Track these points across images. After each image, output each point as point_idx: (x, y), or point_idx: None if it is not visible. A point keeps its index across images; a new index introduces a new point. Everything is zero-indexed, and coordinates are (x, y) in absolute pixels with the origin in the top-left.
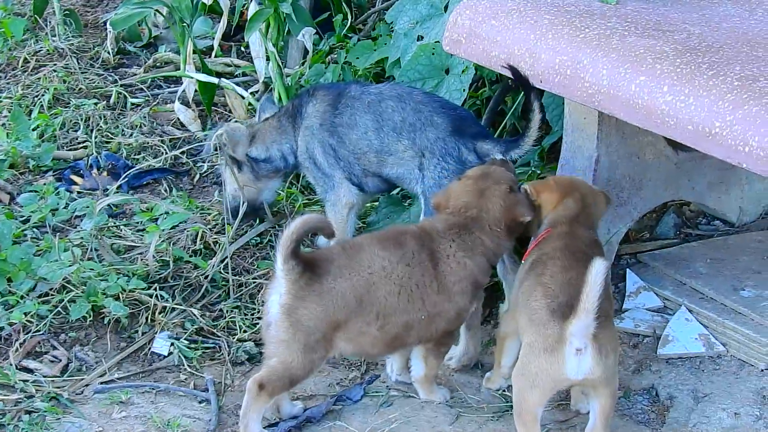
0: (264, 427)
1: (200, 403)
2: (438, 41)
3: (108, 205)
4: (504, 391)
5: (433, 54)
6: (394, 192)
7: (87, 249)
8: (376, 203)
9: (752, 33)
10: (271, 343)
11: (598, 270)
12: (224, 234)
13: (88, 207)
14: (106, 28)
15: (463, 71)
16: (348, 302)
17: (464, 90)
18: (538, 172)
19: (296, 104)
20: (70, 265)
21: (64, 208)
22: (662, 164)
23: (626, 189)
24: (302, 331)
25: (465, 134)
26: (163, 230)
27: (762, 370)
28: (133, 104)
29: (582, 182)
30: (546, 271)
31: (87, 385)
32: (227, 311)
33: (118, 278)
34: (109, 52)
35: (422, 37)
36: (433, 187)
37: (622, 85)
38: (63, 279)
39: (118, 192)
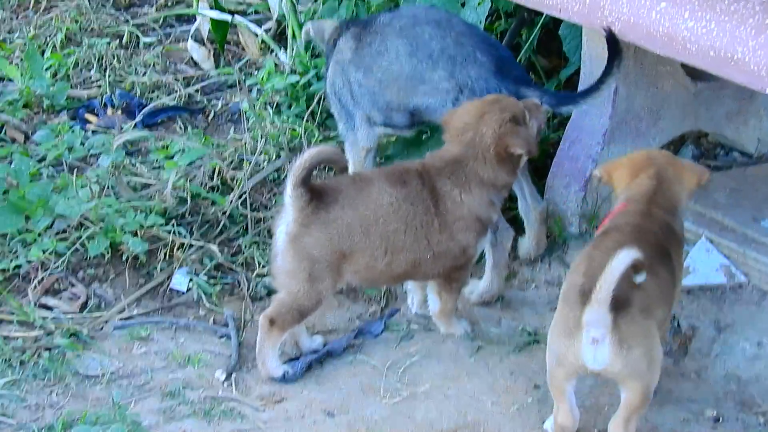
0: (285, 362)
1: (220, 338)
2: None
3: (123, 142)
4: (525, 325)
5: None
6: None
7: (104, 186)
8: (393, 139)
9: None
10: (278, 275)
11: (620, 259)
12: (241, 170)
13: (104, 144)
14: None
15: (479, 3)
16: (354, 233)
17: (480, 22)
18: None
19: (335, 34)
20: (87, 202)
21: (81, 145)
22: (680, 94)
23: (644, 120)
24: (307, 260)
25: (507, 77)
26: (180, 166)
27: None
28: (145, 43)
29: (663, 156)
30: (601, 245)
31: (106, 322)
32: (245, 247)
33: (136, 215)
34: None
35: None
36: None
37: (642, 13)
38: (81, 216)
39: (134, 130)
